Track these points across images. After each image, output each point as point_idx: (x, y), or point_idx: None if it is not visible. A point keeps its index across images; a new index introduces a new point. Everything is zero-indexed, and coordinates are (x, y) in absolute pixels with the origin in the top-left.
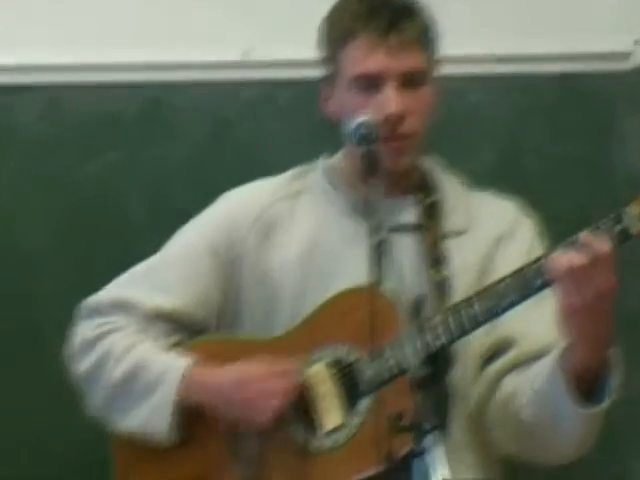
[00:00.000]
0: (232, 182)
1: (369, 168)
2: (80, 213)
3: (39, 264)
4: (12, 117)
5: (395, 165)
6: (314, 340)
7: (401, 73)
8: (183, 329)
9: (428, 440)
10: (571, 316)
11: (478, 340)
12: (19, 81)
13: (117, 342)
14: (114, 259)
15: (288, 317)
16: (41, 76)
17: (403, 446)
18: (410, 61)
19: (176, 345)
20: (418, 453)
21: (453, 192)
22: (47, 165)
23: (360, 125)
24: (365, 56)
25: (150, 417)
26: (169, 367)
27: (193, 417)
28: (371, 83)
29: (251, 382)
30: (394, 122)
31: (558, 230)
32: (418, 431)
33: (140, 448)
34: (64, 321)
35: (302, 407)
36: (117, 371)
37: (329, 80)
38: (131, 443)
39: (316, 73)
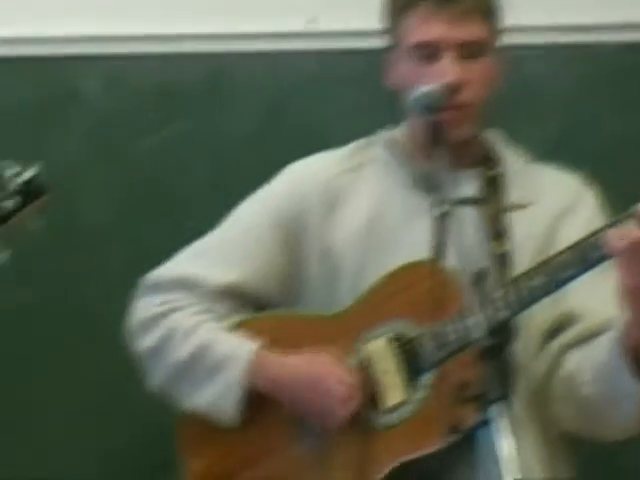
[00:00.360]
0: (294, 154)
1: (433, 138)
2: (143, 186)
3: (101, 238)
4: (76, 88)
5: (455, 135)
6: (375, 315)
7: (460, 43)
8: (246, 305)
9: (493, 411)
10: (630, 292)
11: (541, 315)
12: (83, 52)
13: (181, 321)
14: (176, 233)
15: (349, 291)
16: (105, 47)
17: (468, 419)
18: (470, 31)
19: (239, 322)
20: (483, 424)
21: (515, 165)
22: (110, 137)
23: (423, 95)
24: (424, 24)
25: (214, 401)
26: (234, 351)
27: (257, 398)
28: (430, 52)
29: (318, 382)
30: (451, 91)
31: (618, 203)
32: (483, 401)
33: (205, 424)
34: (125, 297)
35: (364, 384)
36: (181, 352)
37: (391, 50)
38: (196, 419)
39: (379, 43)
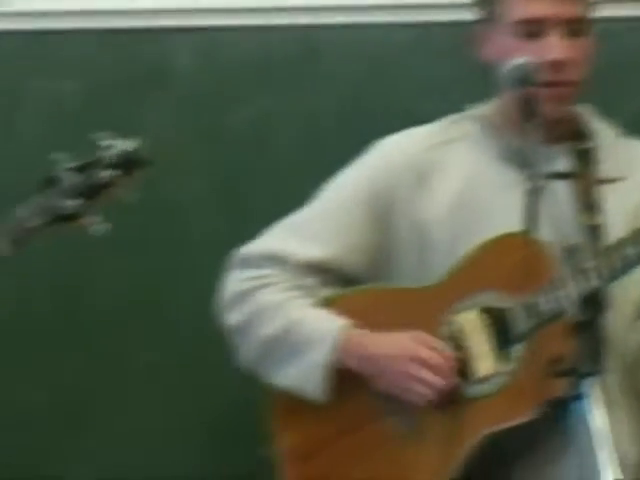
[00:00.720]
0: (384, 128)
1: (526, 112)
2: (234, 160)
3: (192, 213)
4: (168, 61)
5: (554, 112)
6: (467, 287)
7: (565, 20)
8: (336, 280)
9: (585, 384)
10: None
11: (635, 287)
12: (176, 24)
13: (270, 298)
14: (267, 209)
15: (440, 264)
16: (197, 19)
17: (559, 391)
18: (574, 9)
19: (329, 297)
20: (575, 398)
21: (607, 139)
22: (202, 111)
23: (517, 68)
24: (530, 1)
25: (301, 379)
26: (322, 329)
27: (347, 373)
28: (534, 29)
29: (406, 365)
30: (557, 68)
31: None
32: (576, 375)
33: (295, 399)
34: (216, 272)
35: (455, 355)
36: (268, 329)
37: (486, 23)
38: (287, 394)
39: (470, 16)
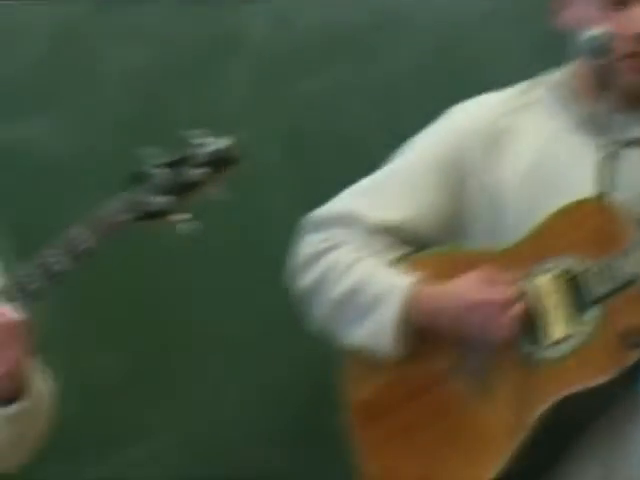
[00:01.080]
0: (459, 94)
1: (601, 82)
2: (309, 127)
3: (265, 180)
4: (240, 30)
5: (634, 83)
6: (540, 252)
7: None
8: (407, 243)
9: None
10: None
11: None
12: None
13: (340, 258)
14: (339, 174)
15: (514, 231)
16: None
17: (632, 360)
18: None
19: (400, 259)
20: None
21: None
22: (275, 79)
23: (595, 37)
24: None
25: (372, 336)
26: (392, 286)
27: (417, 332)
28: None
29: (476, 308)
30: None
31: None
32: None
33: (367, 358)
34: (288, 237)
35: (528, 318)
36: (339, 287)
37: None
38: (359, 354)
39: None
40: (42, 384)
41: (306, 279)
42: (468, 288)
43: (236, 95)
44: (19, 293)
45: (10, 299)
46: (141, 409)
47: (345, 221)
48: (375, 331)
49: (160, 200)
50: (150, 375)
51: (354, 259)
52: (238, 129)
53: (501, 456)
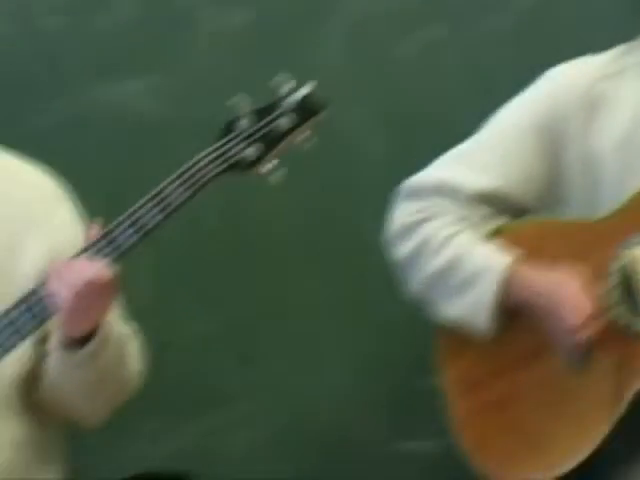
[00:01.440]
0: (554, 57)
1: None
2: (403, 89)
3: (362, 143)
4: None
5: None
6: (638, 222)
7: None
8: (504, 211)
9: None
10: None
11: None
12: None
13: (437, 230)
14: (437, 138)
15: (610, 199)
16: None
17: None
18: None
19: (498, 228)
20: None
21: None
22: (369, 41)
23: None
24: None
25: (466, 314)
26: (490, 264)
27: (512, 310)
28: None
29: (557, 305)
30: None
31: None
32: None
33: (461, 332)
34: (384, 203)
35: (626, 289)
36: (435, 262)
37: None
38: (453, 327)
39: None
40: (126, 337)
41: (402, 249)
42: (567, 285)
43: (328, 57)
44: (110, 249)
45: (101, 255)
46: (226, 376)
47: (441, 190)
48: (470, 309)
49: (251, 150)
50: (238, 342)
51: (451, 232)
52: (332, 94)
53: (599, 428)
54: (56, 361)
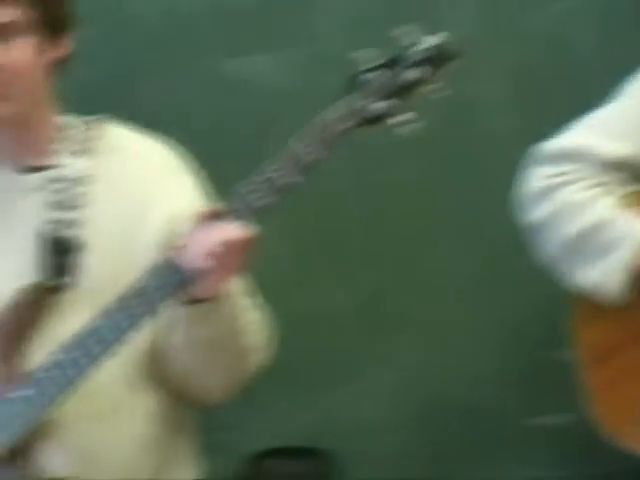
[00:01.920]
0: None
1: None
2: (535, 58)
3: (492, 112)
4: None
5: None
6: None
7: None
8: (637, 178)
9: None
10: None
11: None
12: None
13: (573, 196)
14: (568, 107)
15: None
16: None
17: None
18: None
19: (633, 194)
20: None
21: None
22: (501, 11)
23: None
24: None
25: (600, 281)
26: (627, 232)
27: None
28: None
29: None
30: None
31: None
32: None
33: (595, 300)
34: (517, 169)
35: None
36: (571, 228)
37: None
38: (587, 295)
39: None
40: (246, 308)
41: (537, 213)
42: None
43: (461, 24)
44: (245, 210)
45: (236, 216)
46: (355, 350)
47: (575, 156)
48: (603, 276)
49: (381, 104)
50: (369, 316)
51: (588, 198)
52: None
53: None
54: (176, 320)
